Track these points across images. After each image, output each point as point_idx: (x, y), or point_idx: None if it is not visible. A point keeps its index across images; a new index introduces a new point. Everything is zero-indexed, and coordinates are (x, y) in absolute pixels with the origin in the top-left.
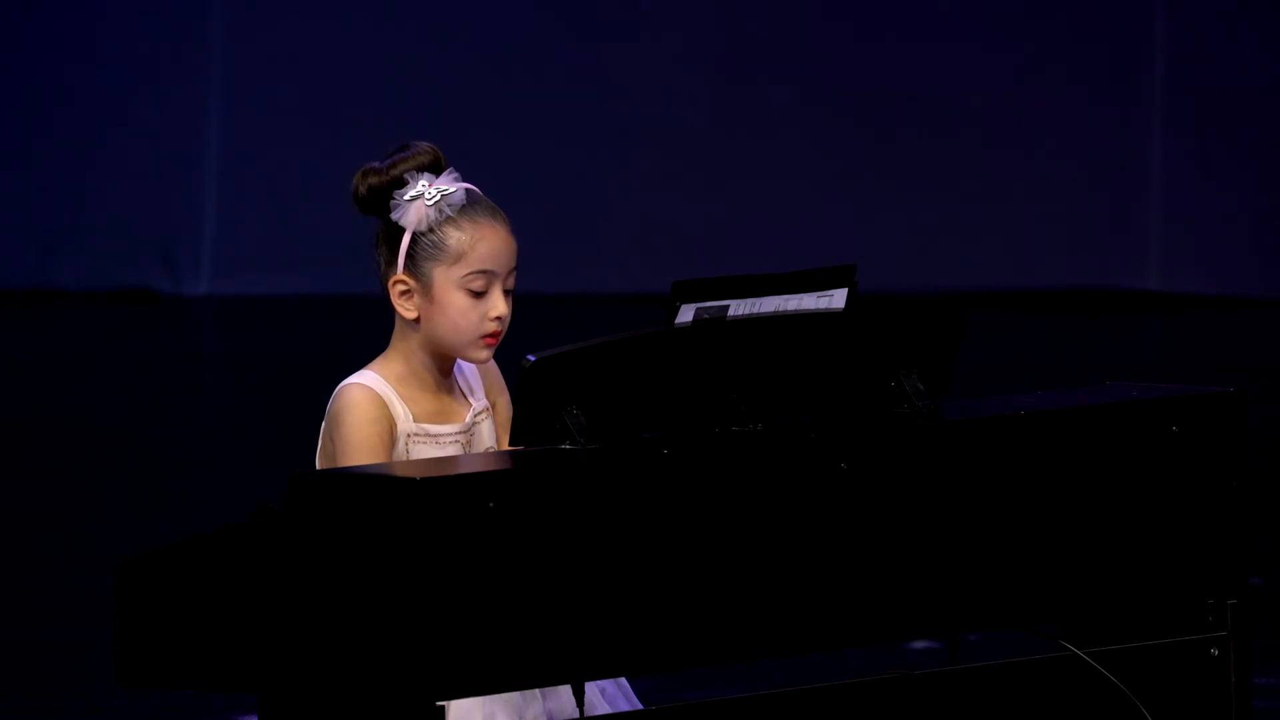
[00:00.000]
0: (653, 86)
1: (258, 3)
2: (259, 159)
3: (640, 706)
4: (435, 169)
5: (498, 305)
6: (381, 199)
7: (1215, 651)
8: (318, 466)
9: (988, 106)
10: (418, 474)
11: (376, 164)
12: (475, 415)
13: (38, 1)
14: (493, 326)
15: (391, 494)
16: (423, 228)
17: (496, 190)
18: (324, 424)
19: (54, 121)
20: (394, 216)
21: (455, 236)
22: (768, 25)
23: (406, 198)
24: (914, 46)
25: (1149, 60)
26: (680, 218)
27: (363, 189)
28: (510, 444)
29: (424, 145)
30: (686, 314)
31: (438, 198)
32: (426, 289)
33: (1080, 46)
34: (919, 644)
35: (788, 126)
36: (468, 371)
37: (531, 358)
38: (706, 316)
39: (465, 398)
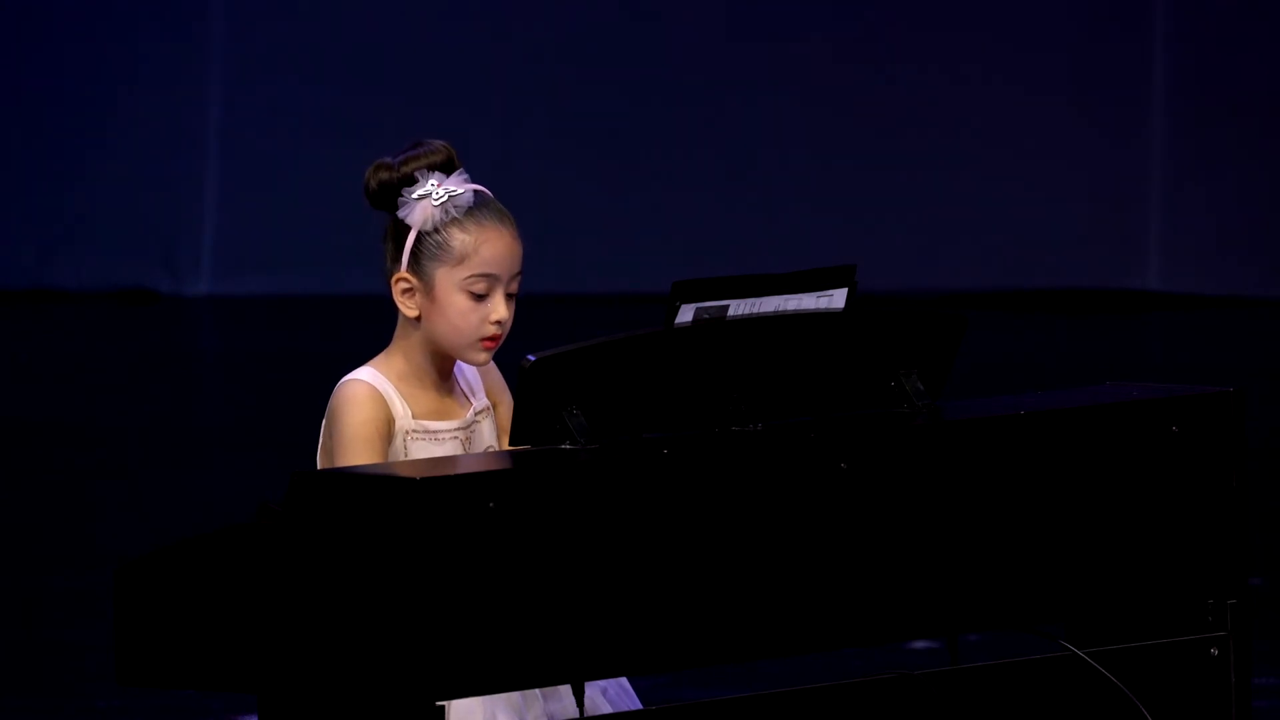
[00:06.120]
0: (653, 86)
1: (258, 2)
2: (259, 159)
3: (640, 706)
4: (447, 168)
5: (498, 309)
6: (390, 195)
7: (1215, 651)
8: (318, 462)
9: (988, 106)
10: (418, 474)
11: (389, 159)
12: (475, 414)
13: (37, 1)
14: (492, 330)
15: (391, 494)
16: (428, 227)
17: (496, 189)
18: (324, 420)
19: (54, 121)
20: (400, 214)
21: (460, 238)
22: (768, 25)
23: (414, 196)
24: (914, 46)
25: (1149, 60)
26: (680, 218)
27: (373, 184)
28: (510, 444)
29: (438, 144)
30: (686, 314)
31: (445, 198)
32: (429, 289)
33: (1080, 46)
34: (919, 644)
35: (788, 126)
36: (469, 372)
37: (531, 358)
38: (706, 316)
39: (466, 397)
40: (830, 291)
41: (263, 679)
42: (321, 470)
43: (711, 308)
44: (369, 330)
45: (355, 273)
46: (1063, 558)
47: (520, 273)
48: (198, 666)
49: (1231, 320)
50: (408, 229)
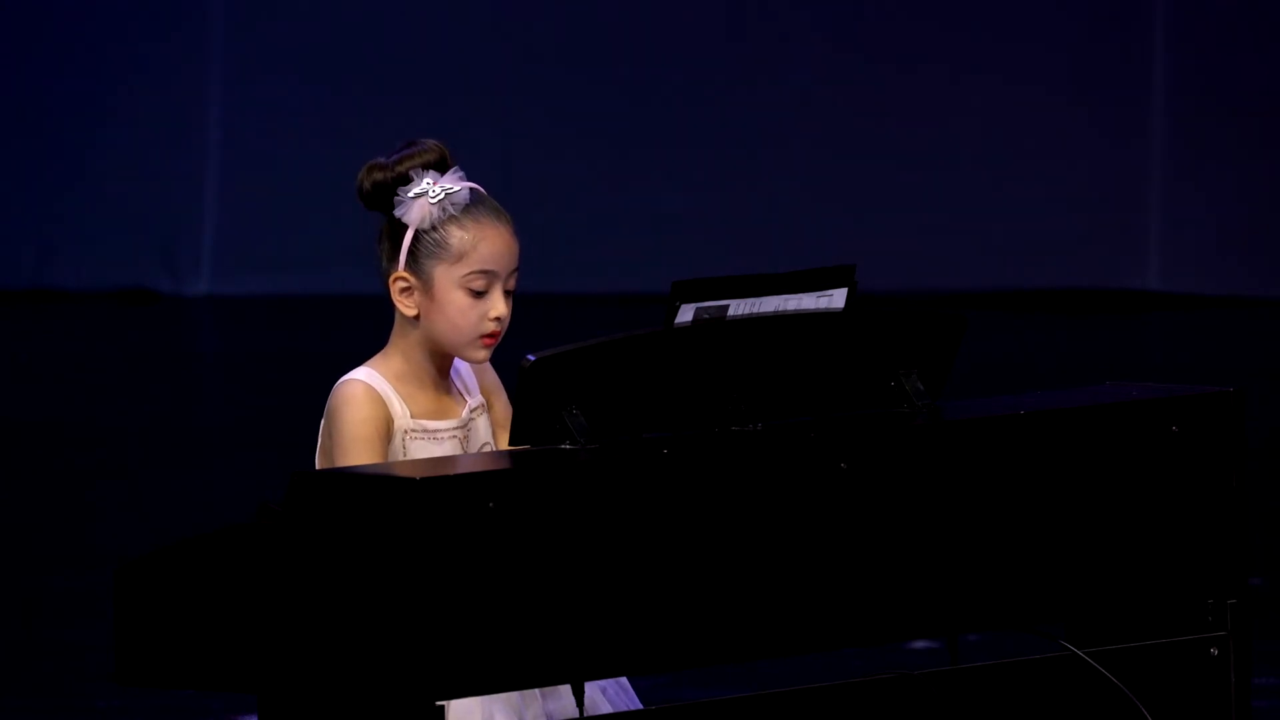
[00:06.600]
0: (653, 86)
1: (258, 2)
2: (259, 159)
3: (640, 706)
4: (441, 167)
5: (497, 305)
6: (385, 195)
7: (1215, 651)
8: (317, 463)
9: (988, 106)
10: (417, 474)
11: (382, 159)
12: (471, 411)
13: (37, 1)
14: (492, 327)
15: (391, 494)
16: (426, 225)
17: (496, 189)
18: (323, 420)
19: (53, 121)
20: (397, 213)
21: (458, 235)
22: (769, 25)
23: (410, 195)
24: (914, 46)
25: (1149, 60)
26: (680, 218)
27: (367, 184)
28: (510, 444)
29: (430, 143)
30: (686, 314)
31: (442, 196)
32: (427, 287)
33: (1080, 46)
34: (919, 644)
35: (788, 126)
36: (464, 371)
37: (531, 358)
38: (706, 316)
39: (462, 395)
40: (830, 291)
41: (263, 679)
42: (321, 470)
43: (711, 308)
44: (369, 330)
45: (355, 273)
46: (1063, 558)
47: (518, 269)
48: (198, 666)
49: (1231, 320)
50: (404, 228)
